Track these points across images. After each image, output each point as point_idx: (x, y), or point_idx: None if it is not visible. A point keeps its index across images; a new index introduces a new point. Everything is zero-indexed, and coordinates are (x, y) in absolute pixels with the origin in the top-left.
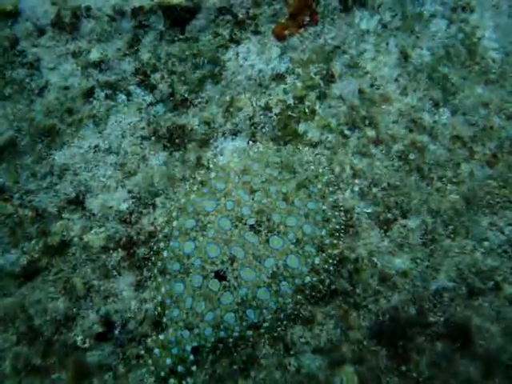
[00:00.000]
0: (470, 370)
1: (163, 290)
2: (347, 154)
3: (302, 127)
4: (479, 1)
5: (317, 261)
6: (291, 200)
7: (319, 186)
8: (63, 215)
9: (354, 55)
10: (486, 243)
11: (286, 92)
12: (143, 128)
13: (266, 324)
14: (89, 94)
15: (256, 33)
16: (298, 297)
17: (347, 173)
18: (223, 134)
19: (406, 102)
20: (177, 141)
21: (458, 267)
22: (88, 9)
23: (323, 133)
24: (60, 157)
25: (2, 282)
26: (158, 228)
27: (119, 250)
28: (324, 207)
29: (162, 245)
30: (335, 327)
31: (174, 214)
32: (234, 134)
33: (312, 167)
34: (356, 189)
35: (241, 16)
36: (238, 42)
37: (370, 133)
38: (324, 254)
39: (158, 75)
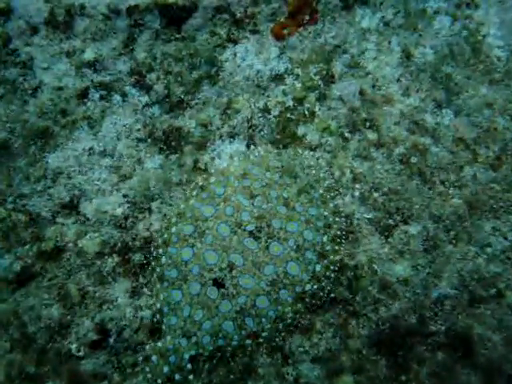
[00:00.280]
0: (471, 380)
1: (161, 297)
2: (347, 157)
3: (301, 130)
4: None
5: (318, 268)
6: (292, 205)
7: (320, 190)
8: (57, 220)
9: (354, 55)
10: (488, 249)
11: (285, 93)
12: (139, 130)
13: (264, 334)
14: (83, 94)
15: (254, 32)
16: (298, 305)
17: (347, 177)
18: (220, 136)
19: (408, 103)
20: (173, 143)
21: (459, 274)
22: (82, 7)
23: (323, 135)
24: (54, 159)
25: None
26: (157, 234)
27: (114, 255)
28: (325, 213)
29: (160, 251)
30: (334, 336)
31: (174, 219)
32: (232, 136)
33: (313, 172)
34: (356, 193)
35: (238, 15)
36: (235, 42)
37: (371, 135)
38: (325, 261)
39: (153, 75)
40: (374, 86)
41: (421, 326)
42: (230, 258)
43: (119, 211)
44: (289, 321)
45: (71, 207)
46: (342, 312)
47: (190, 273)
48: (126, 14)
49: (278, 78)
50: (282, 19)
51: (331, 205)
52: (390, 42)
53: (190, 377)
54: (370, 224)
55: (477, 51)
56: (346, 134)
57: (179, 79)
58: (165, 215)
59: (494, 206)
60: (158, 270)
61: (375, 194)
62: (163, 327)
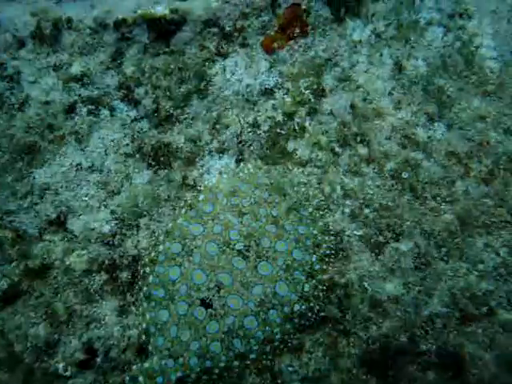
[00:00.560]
0: None
1: (148, 317)
2: (338, 172)
3: (291, 145)
4: (478, 6)
5: (306, 288)
6: (281, 224)
7: (310, 209)
8: (44, 237)
9: (345, 68)
10: (480, 266)
11: (274, 108)
12: (127, 145)
13: (252, 355)
14: (71, 109)
15: (244, 46)
16: (287, 326)
17: (338, 193)
18: (210, 152)
19: (399, 116)
20: (162, 159)
21: (451, 291)
22: (69, 20)
23: (313, 151)
24: (41, 175)
25: None
26: (144, 252)
27: (102, 273)
28: (315, 231)
29: (147, 269)
30: (324, 355)
31: (161, 237)
32: (221, 152)
33: (303, 189)
34: (347, 210)
35: (228, 28)
36: (225, 56)
37: (362, 150)
38: (314, 281)
39: (142, 90)
40: (365, 100)
41: (411, 345)
42: (218, 278)
43: (107, 228)
44: (276, 343)
45: (58, 224)
46: (331, 331)
47: (177, 292)
48: (113, 28)
49: (267, 93)
50: (272, 32)
51: (321, 223)
52: (381, 55)
53: None
54: (360, 241)
55: (470, 63)
56: (337, 149)
57: (168, 93)
58: (153, 232)
59: (487, 222)
60: (144, 289)
61: (366, 211)
62: (150, 347)
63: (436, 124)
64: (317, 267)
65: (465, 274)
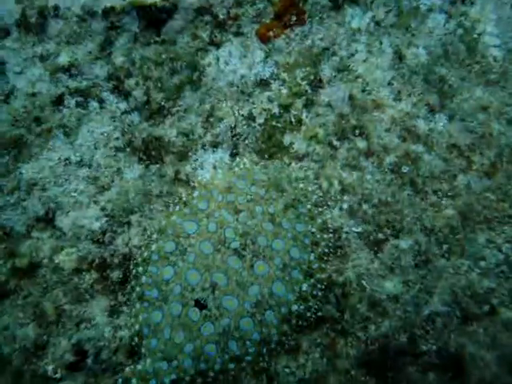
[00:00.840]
0: None
1: (140, 318)
2: (336, 167)
3: (287, 138)
4: None
5: (304, 287)
6: (278, 221)
7: (308, 206)
8: (32, 234)
9: (344, 57)
10: (482, 263)
11: (270, 100)
12: (117, 138)
13: (248, 358)
14: (58, 101)
15: (238, 34)
16: (284, 327)
17: (335, 188)
18: (203, 146)
19: (399, 108)
20: (153, 153)
21: (452, 290)
22: (55, 8)
23: (310, 144)
24: (28, 170)
25: None
26: (137, 250)
27: (92, 272)
28: (313, 229)
29: (140, 269)
30: (322, 356)
31: (154, 236)
32: (215, 146)
33: (301, 185)
34: (345, 206)
35: (221, 16)
36: (218, 45)
37: (361, 144)
38: (312, 280)
39: (132, 81)
40: (364, 91)
41: (411, 346)
42: (212, 278)
43: (97, 225)
44: (273, 345)
45: (46, 221)
46: (329, 331)
47: (170, 293)
48: (102, 16)
49: (263, 84)
50: (268, 21)
51: (319, 220)
52: (381, 43)
53: None
54: (358, 238)
55: (472, 51)
56: (335, 143)
57: (159, 85)
58: (145, 230)
59: (489, 217)
60: (137, 289)
61: (365, 206)
62: (143, 349)
63: (437, 115)
64: (315, 266)
65: (466, 272)
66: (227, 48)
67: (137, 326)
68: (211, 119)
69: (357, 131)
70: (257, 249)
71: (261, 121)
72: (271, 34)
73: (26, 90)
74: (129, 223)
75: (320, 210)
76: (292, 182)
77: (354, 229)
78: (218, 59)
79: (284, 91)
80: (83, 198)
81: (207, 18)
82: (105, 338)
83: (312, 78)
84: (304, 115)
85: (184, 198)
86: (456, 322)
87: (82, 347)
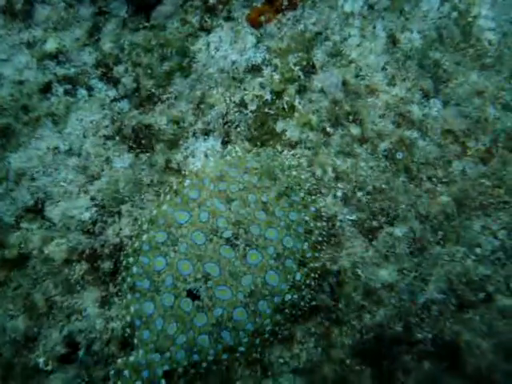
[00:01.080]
0: None
1: (132, 309)
2: (329, 154)
3: (280, 125)
4: None
5: (298, 277)
6: (271, 210)
7: (301, 194)
8: (21, 225)
9: (337, 42)
10: (477, 249)
11: (262, 86)
12: (107, 126)
13: (241, 348)
14: (46, 89)
15: (228, 19)
16: (278, 316)
17: (329, 175)
18: (194, 133)
19: (393, 93)
20: (143, 141)
21: (447, 277)
22: None
23: (303, 131)
24: (16, 160)
25: None
26: (127, 241)
27: (82, 262)
28: (306, 218)
29: (131, 260)
30: (316, 346)
31: (145, 226)
32: (206, 133)
33: (294, 173)
34: (339, 193)
35: (211, 1)
36: (208, 31)
37: (355, 130)
38: (305, 269)
39: (121, 68)
40: (357, 76)
41: (407, 334)
42: (205, 268)
43: (87, 215)
44: (267, 335)
45: (36, 211)
46: (324, 320)
47: (162, 284)
48: (89, 2)
49: (254, 70)
50: (259, 5)
51: (313, 208)
52: (374, 27)
53: None
54: (353, 226)
55: (467, 34)
56: (328, 129)
57: (149, 71)
58: (135, 220)
59: (484, 203)
60: (128, 280)
61: (359, 194)
62: (135, 341)
63: (432, 101)
64: (308, 255)
65: (462, 259)
66: (218, 33)
67: (128, 318)
68: (202, 106)
69: (350, 117)
70: (250, 238)
71: (253, 108)
72: (262, 18)
73: (13, 77)
74: (119, 213)
75: (313, 197)
76: (285, 170)
77: (348, 217)
78: (208, 45)
79: (276, 77)
80: (73, 188)
81: (197, 2)
82: (96, 330)
83: (305, 63)
84: (297, 101)
85: (175, 187)
86: (451, 309)
87: (74, 339)
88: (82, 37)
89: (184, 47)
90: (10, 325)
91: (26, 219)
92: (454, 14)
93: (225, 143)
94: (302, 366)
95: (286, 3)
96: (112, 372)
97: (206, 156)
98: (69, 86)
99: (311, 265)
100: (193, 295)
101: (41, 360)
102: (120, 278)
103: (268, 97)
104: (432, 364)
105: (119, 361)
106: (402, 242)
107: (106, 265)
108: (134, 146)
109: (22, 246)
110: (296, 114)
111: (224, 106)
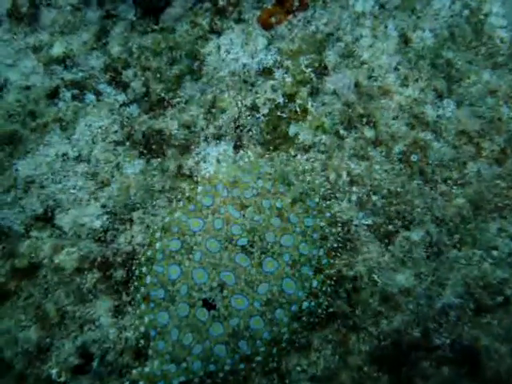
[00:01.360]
0: None
1: (146, 320)
2: (343, 157)
3: (293, 129)
4: None
5: (315, 284)
6: (286, 216)
7: (316, 199)
8: (31, 234)
9: (348, 42)
10: (494, 252)
11: (274, 89)
12: (116, 132)
13: (259, 358)
14: (53, 94)
15: (239, 21)
16: (295, 325)
17: (343, 179)
18: (205, 138)
19: (406, 94)
20: (154, 147)
21: (464, 281)
22: None
23: (316, 134)
24: (24, 167)
25: None
26: (140, 249)
27: (94, 271)
28: (322, 223)
29: (144, 269)
30: (333, 353)
31: (158, 234)
32: (218, 138)
33: (308, 178)
34: (354, 198)
35: (221, 2)
36: (219, 33)
37: (368, 133)
38: (322, 276)
39: (130, 72)
40: (370, 77)
41: (425, 340)
42: (220, 277)
43: (98, 223)
44: (284, 344)
45: (46, 219)
46: (340, 327)
47: (177, 293)
48: (97, 5)
49: (266, 72)
50: (270, 6)
51: (328, 214)
52: (386, 27)
53: None
54: (368, 231)
55: (479, 33)
56: (342, 132)
57: (158, 75)
58: (147, 227)
59: (500, 205)
60: (142, 289)
61: (374, 198)
62: (150, 351)
63: (445, 101)
64: (324, 261)
65: (478, 262)
66: (228, 36)
67: (142, 328)
68: (213, 110)
69: (364, 119)
70: (265, 245)
71: (265, 111)
72: (273, 20)
73: (20, 83)
74: (131, 220)
75: (328, 203)
76: (299, 175)
77: (363, 221)
78: (218, 47)
79: (288, 79)
80: (83, 195)
81: (207, 4)
82: (110, 340)
83: (316, 65)
84: (309, 104)
85: (187, 194)
86: (469, 314)
87: (87, 349)
88: (90, 40)
89: (194, 50)
90: (22, 335)
91: (36, 228)
92: (466, 12)
93: (237, 148)
94: (319, 374)
95: (296, 4)
96: (127, 383)
97: (218, 161)
98: (77, 91)
99: (327, 271)
100: (209, 305)
101: (54, 371)
102: (133, 288)
103: (280, 100)
104: (451, 369)
105: (134, 372)
106: (419, 246)
107: (119, 273)
108: (144, 151)
109: (33, 255)
110: (309, 117)
111: (236, 110)
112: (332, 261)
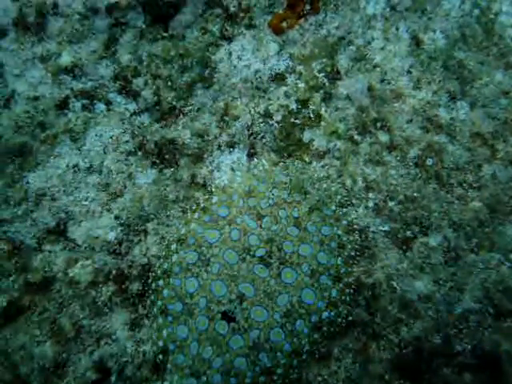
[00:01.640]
0: None
1: (165, 333)
2: (358, 163)
3: (307, 135)
4: None
5: (334, 293)
6: (303, 225)
7: (333, 207)
8: (43, 247)
9: (360, 46)
10: None
11: (287, 95)
12: (127, 141)
13: (279, 370)
14: (63, 104)
15: (250, 27)
16: (315, 335)
17: (359, 185)
18: (219, 146)
19: (420, 97)
20: (167, 156)
21: (483, 285)
22: (55, 5)
23: (331, 140)
24: (35, 179)
25: None
26: (155, 262)
27: (109, 284)
28: (339, 232)
29: (160, 282)
30: (354, 362)
31: (173, 246)
32: (231, 146)
33: (324, 185)
34: (370, 204)
35: (232, 8)
36: (230, 39)
37: (383, 137)
38: (341, 285)
39: (140, 80)
40: (382, 81)
41: (445, 346)
42: (239, 289)
43: (112, 235)
44: (305, 356)
45: (58, 232)
46: (360, 335)
47: (196, 306)
48: (105, 13)
49: (278, 78)
50: (281, 11)
51: (344, 221)
52: (397, 29)
53: None
54: (386, 237)
55: (489, 32)
56: (356, 137)
57: (169, 83)
58: (162, 238)
59: None
60: (159, 303)
61: (390, 203)
62: (169, 366)
63: (458, 103)
64: (343, 270)
65: (497, 266)
66: (239, 42)
67: (161, 343)
68: (226, 118)
69: (378, 124)
70: (283, 255)
71: (278, 118)
72: (285, 24)
73: (28, 93)
74: (145, 231)
75: (345, 210)
76: (315, 183)
77: (380, 228)
78: (230, 54)
79: (301, 85)
80: (95, 207)
81: (217, 10)
82: (127, 354)
83: (329, 69)
84: (323, 110)
85: (202, 204)
86: (489, 318)
87: (104, 364)
88: (99, 49)
89: (205, 57)
90: (38, 351)
91: (49, 241)
92: (476, 12)
93: (250, 155)
94: None
95: (307, 8)
96: None
97: (232, 169)
98: (86, 101)
99: (346, 280)
100: (228, 317)
101: None
102: (149, 302)
103: (293, 106)
104: (473, 376)
105: None
106: (437, 251)
107: (135, 286)
108: (157, 161)
109: (46, 269)
110: (323, 123)
111: (249, 117)
112: (350, 269)
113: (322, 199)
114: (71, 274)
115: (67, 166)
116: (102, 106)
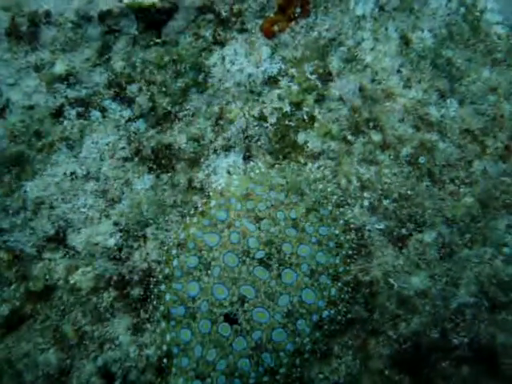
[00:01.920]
0: None
1: (168, 337)
2: (353, 163)
3: (301, 137)
4: None
5: (333, 292)
6: (301, 226)
7: (329, 207)
8: (44, 255)
9: (351, 47)
10: (505, 249)
11: (280, 98)
12: (123, 148)
13: (282, 369)
14: (58, 113)
15: (242, 31)
16: (316, 334)
17: (354, 185)
18: (215, 150)
19: (410, 96)
20: (163, 161)
21: (478, 279)
22: (47, 14)
23: (325, 141)
24: (32, 188)
25: None
26: (156, 266)
27: (110, 289)
28: (336, 231)
29: (162, 287)
30: (354, 358)
31: (174, 251)
32: (227, 149)
33: (320, 186)
34: (365, 203)
35: (224, 13)
36: (222, 44)
37: (376, 137)
38: (339, 283)
39: (134, 86)
40: (373, 81)
41: (443, 340)
42: (240, 291)
43: (112, 242)
44: (307, 354)
45: (58, 240)
46: (360, 332)
47: (198, 310)
48: (98, 21)
49: (271, 81)
50: (272, 15)
51: (341, 221)
52: (386, 29)
53: None
54: (382, 235)
55: (476, 30)
56: (349, 138)
57: (163, 89)
58: (162, 243)
59: (507, 201)
60: (161, 308)
61: (385, 202)
62: (173, 369)
63: (448, 101)
64: (341, 269)
65: (490, 260)
66: (232, 46)
67: (164, 347)
68: (221, 122)
69: (370, 124)
70: (282, 257)
71: (273, 120)
72: (276, 28)
73: (22, 102)
74: (145, 237)
75: (341, 210)
76: (311, 184)
77: (376, 226)
78: (223, 59)
79: (294, 87)
80: (94, 213)
81: (209, 16)
82: (131, 358)
83: (321, 71)
84: (316, 111)
85: (200, 208)
86: (484, 311)
87: (109, 369)
88: (92, 57)
89: (198, 62)
90: (42, 358)
91: (49, 249)
92: (462, 10)
93: (246, 158)
94: (341, 380)
95: (298, 10)
96: None
97: (229, 173)
98: (81, 109)
99: (344, 278)
100: (230, 319)
101: None
102: (151, 306)
103: (287, 108)
104: (470, 368)
105: None
106: (432, 247)
107: (136, 291)
108: (153, 166)
109: (47, 276)
110: (316, 124)
111: (243, 121)
112: (348, 267)
113: (319, 200)
114: (72, 281)
115: (64, 173)
116: (97, 114)
